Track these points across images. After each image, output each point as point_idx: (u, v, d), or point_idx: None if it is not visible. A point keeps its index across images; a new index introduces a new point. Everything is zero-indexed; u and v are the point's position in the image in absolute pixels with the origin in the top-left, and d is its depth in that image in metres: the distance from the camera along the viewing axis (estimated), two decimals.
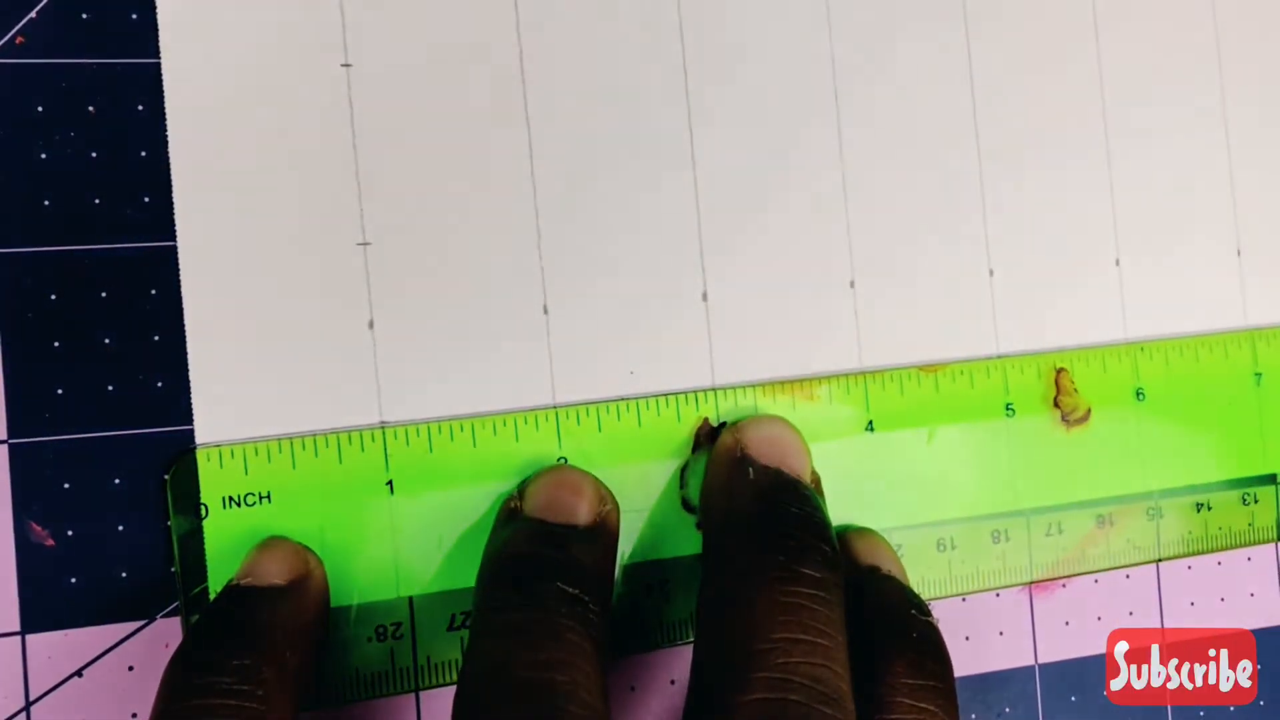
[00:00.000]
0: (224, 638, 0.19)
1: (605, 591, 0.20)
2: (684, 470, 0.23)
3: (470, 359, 0.23)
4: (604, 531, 0.21)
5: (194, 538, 0.21)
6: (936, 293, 0.25)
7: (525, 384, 0.23)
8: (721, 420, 0.24)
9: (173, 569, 0.21)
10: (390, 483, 0.22)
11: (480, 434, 0.22)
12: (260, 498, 0.21)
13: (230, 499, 0.21)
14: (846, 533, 0.24)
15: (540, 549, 0.20)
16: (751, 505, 0.21)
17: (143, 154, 0.21)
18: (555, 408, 0.23)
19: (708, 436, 0.23)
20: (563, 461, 0.23)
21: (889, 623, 0.21)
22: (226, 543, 0.21)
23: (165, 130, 0.21)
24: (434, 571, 0.22)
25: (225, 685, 0.18)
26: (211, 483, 0.21)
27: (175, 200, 0.21)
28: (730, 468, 0.22)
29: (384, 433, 0.22)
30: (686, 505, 0.23)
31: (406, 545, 0.22)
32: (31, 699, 0.21)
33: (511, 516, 0.21)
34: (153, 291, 0.21)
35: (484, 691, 0.17)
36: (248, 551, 0.21)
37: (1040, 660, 0.26)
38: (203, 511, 0.21)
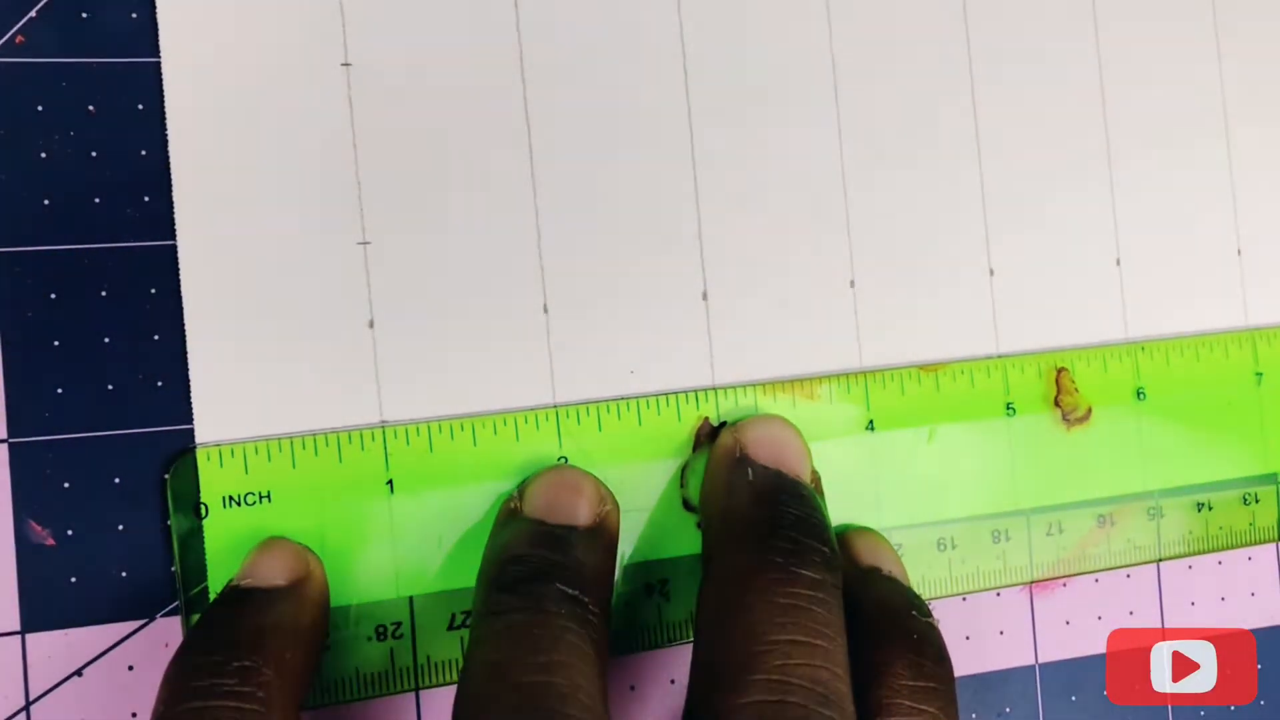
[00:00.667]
0: (224, 639, 0.19)
1: (605, 592, 0.20)
2: (684, 470, 0.23)
3: (470, 359, 0.23)
4: (604, 532, 0.21)
5: (194, 537, 0.21)
6: (936, 293, 0.25)
7: (525, 384, 0.23)
8: (721, 420, 0.24)
9: (173, 569, 0.21)
10: (390, 482, 0.22)
11: (480, 434, 0.22)
12: (260, 497, 0.21)
13: (230, 498, 0.21)
14: (846, 533, 0.24)
15: (540, 550, 0.20)
16: (750, 506, 0.21)
17: (143, 154, 0.21)
18: (555, 407, 0.23)
19: (708, 436, 0.23)
20: (563, 461, 0.23)
21: (889, 624, 0.21)
22: (226, 542, 0.21)
23: (165, 130, 0.21)
24: (434, 571, 0.22)
25: (226, 686, 0.18)
26: (211, 482, 0.21)
27: (175, 200, 0.21)
28: (730, 468, 0.22)
29: (384, 432, 0.22)
30: (687, 505, 0.23)
31: (406, 545, 0.22)
32: (31, 699, 0.21)
33: (511, 517, 0.21)
34: (153, 291, 0.21)
35: (483, 693, 0.17)
36: (248, 551, 0.21)
37: (1040, 660, 0.26)
38: (203, 511, 0.21)
